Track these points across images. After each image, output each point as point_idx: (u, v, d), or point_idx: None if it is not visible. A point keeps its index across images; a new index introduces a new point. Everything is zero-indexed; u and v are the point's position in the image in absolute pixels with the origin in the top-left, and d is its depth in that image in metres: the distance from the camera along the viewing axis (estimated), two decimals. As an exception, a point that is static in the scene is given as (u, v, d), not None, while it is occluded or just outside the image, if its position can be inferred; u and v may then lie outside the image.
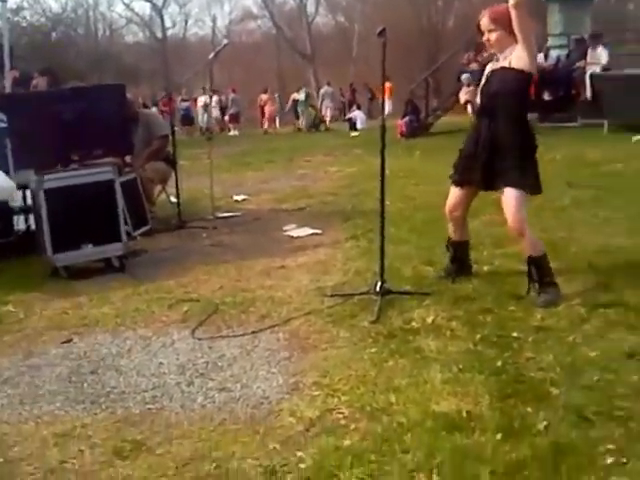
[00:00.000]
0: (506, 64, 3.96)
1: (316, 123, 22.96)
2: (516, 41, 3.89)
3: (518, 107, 4.00)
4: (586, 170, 8.04)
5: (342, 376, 3.20)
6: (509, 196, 3.93)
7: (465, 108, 3.77)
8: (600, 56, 13.99)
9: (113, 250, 5.41)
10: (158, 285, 4.91)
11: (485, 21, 3.99)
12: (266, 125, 25.24)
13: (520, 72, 3.91)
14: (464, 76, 3.68)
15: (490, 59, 4.21)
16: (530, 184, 3.94)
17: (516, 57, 3.90)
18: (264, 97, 26.33)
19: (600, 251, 4.86)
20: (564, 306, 3.81)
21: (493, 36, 3.98)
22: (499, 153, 3.95)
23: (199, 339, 3.81)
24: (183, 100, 25.52)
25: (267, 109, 25.58)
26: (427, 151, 11.89)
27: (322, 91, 27.36)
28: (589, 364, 3.11)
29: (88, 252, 5.33)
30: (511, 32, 3.88)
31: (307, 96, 25.09)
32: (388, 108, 22.42)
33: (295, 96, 25.46)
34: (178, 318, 4.20)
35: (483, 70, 4.29)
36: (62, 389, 3.30)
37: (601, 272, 4.36)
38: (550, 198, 6.47)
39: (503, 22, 3.90)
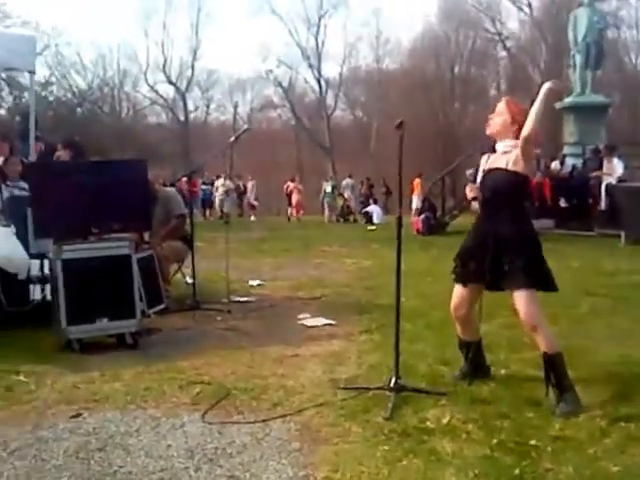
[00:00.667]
0: (502, 165, 4.04)
1: (344, 213, 23.19)
2: (515, 136, 4.01)
3: (517, 207, 4.07)
4: (603, 279, 8.02)
5: (354, 473, 3.11)
6: (518, 295, 3.93)
7: (470, 205, 3.79)
8: (615, 167, 14.18)
9: (127, 326, 5.39)
10: (170, 365, 4.86)
11: (501, 106, 4.12)
12: (293, 213, 25.42)
13: (515, 174, 4.00)
14: (469, 172, 3.68)
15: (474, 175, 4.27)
16: (541, 282, 3.95)
17: (513, 161, 3.99)
18: (291, 185, 26.60)
19: (620, 362, 4.78)
20: (583, 417, 3.72)
21: (499, 119, 4.10)
22: (503, 252, 3.95)
23: (209, 423, 3.74)
24: (204, 183, 25.83)
25: (294, 197, 25.80)
26: (444, 249, 11.90)
27: (344, 183, 27.65)
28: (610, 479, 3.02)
29: (102, 326, 5.32)
30: (514, 126, 4.02)
31: (334, 187, 25.38)
32: (417, 204, 22.54)
33: (324, 186, 25.81)
34: (189, 400, 4.13)
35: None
36: (69, 465, 3.23)
37: (621, 384, 4.28)
38: (567, 305, 6.44)
39: (516, 116, 4.03)
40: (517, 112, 4.06)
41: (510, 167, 4.00)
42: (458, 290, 4.30)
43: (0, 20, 27.12)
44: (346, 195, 25.69)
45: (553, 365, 3.92)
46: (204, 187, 25.66)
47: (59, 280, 5.20)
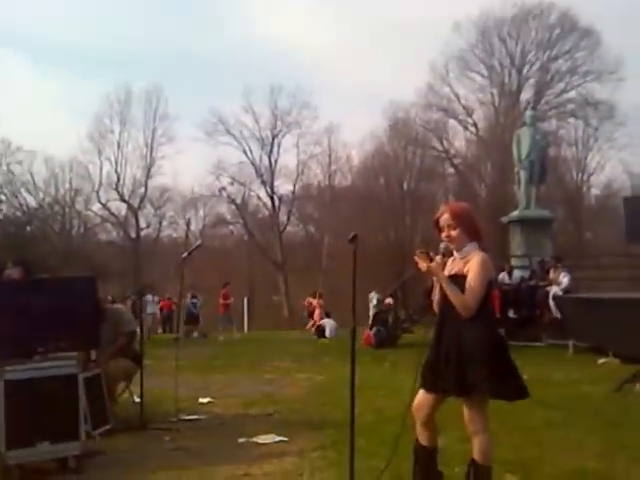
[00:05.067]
0: (465, 271, 3.96)
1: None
2: (473, 239, 4.02)
3: (477, 312, 3.90)
4: (554, 390, 8.02)
5: None
6: (471, 402, 3.88)
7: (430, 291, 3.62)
8: (562, 278, 14.48)
9: (70, 449, 5.17)
10: (114, 490, 4.66)
11: (446, 216, 4.04)
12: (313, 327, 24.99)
13: None
14: (442, 245, 3.60)
15: (449, 250, 4.17)
16: (510, 392, 3.88)
17: (472, 271, 3.92)
18: (314, 301, 26.52)
19: (574, 473, 4.73)
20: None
21: (453, 232, 4.02)
22: (468, 361, 3.85)
23: None
24: (193, 296, 25.36)
25: (317, 312, 25.54)
26: (396, 362, 11.89)
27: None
28: None
29: (44, 450, 5.08)
30: (468, 231, 4.02)
31: (379, 301, 24.82)
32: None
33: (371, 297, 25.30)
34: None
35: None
36: None
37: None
38: (520, 417, 6.40)
39: (464, 220, 4.03)
40: (465, 218, 4.06)
41: (469, 277, 3.93)
42: (421, 392, 4.16)
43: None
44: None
45: (479, 478, 3.85)
46: (194, 300, 25.09)
47: (0, 403, 5.00)
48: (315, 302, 26.49)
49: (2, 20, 60.47)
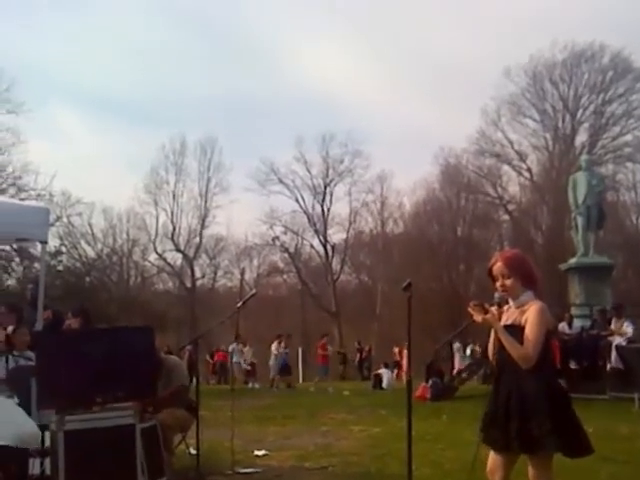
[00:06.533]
0: (522, 321, 3.88)
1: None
2: (528, 288, 3.95)
3: (537, 364, 3.80)
4: (621, 445, 7.75)
5: None
6: (535, 458, 3.78)
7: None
8: (625, 328, 14.10)
9: (128, 501, 5.17)
10: None
11: (499, 265, 3.99)
12: (402, 375, 24.67)
13: None
14: (497, 295, 3.54)
15: (504, 299, 4.11)
16: (575, 447, 3.76)
17: (530, 322, 3.84)
18: (401, 351, 26.41)
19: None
20: None
21: (508, 282, 3.97)
22: (531, 415, 3.74)
23: None
24: (286, 346, 23.75)
25: (405, 360, 25.35)
26: (454, 415, 11.62)
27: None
28: None
29: (103, 501, 5.10)
30: (523, 279, 3.95)
31: (473, 351, 24.31)
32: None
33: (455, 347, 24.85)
34: None
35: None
36: None
37: None
38: (585, 472, 6.21)
39: (517, 268, 3.97)
40: (518, 266, 4.00)
41: (527, 329, 3.84)
42: (492, 454, 4.04)
43: (15, 194, 28.05)
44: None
45: None
46: (286, 350, 23.53)
47: (60, 453, 5.05)
48: (403, 352, 26.21)
49: (58, 76, 62.95)
